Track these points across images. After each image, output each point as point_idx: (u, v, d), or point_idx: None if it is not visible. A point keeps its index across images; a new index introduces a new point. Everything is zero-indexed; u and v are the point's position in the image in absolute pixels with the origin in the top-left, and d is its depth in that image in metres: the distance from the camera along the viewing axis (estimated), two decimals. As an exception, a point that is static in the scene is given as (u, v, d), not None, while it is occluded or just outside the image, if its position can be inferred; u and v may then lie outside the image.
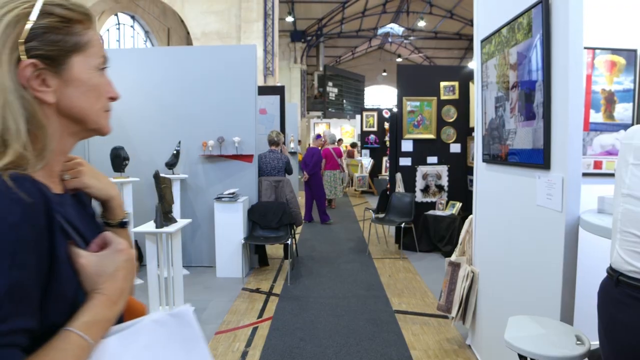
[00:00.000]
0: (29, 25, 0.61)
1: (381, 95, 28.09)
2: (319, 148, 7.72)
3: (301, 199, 10.64)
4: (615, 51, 2.03)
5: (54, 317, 0.58)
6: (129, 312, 0.74)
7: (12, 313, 0.51)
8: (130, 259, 0.69)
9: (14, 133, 0.58)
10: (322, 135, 8.35)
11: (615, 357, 1.20)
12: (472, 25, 3.30)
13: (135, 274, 0.71)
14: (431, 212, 5.45)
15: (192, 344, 0.70)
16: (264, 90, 7.36)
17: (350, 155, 10.46)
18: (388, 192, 5.96)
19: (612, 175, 2.03)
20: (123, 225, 0.79)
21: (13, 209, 0.53)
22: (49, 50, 0.63)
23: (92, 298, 0.63)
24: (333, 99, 22.11)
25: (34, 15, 0.61)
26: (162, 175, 3.48)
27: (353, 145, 13.37)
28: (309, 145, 7.89)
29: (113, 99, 0.77)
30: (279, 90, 7.50)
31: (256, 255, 4.97)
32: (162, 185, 3.38)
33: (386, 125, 10.78)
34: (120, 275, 0.66)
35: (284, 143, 5.54)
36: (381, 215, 5.73)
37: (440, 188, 5.53)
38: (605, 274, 1.25)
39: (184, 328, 0.70)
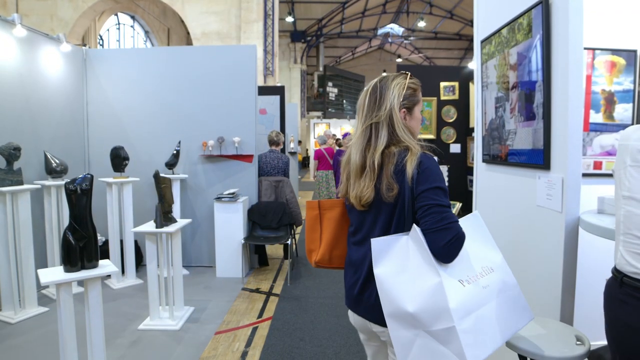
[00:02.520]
0: (404, 92, 1.40)
1: (381, 96, 28.04)
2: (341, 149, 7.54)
3: (302, 199, 10.64)
4: (615, 52, 2.03)
5: None
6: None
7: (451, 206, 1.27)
8: None
9: (413, 140, 1.37)
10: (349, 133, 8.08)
11: (620, 357, 1.20)
12: (472, 25, 3.30)
13: None
14: (431, 212, 5.45)
15: (485, 230, 1.41)
16: (264, 91, 7.36)
17: (332, 155, 9.38)
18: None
19: (612, 175, 2.03)
20: None
21: (437, 164, 1.32)
22: (410, 104, 1.42)
23: None
24: (333, 99, 22.11)
25: (406, 88, 1.41)
26: (162, 175, 3.48)
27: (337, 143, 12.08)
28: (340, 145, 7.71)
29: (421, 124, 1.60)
30: (279, 91, 7.50)
31: (256, 256, 4.97)
32: (162, 185, 3.38)
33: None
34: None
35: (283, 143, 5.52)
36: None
37: (440, 188, 5.53)
38: (608, 274, 1.25)
39: (478, 223, 1.41)
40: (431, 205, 1.23)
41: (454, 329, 1.13)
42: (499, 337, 1.23)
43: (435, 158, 1.35)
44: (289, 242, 4.53)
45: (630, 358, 1.16)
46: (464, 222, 1.33)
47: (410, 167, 1.27)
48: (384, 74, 1.46)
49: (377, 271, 1.28)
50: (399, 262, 1.26)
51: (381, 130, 1.36)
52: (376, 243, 1.29)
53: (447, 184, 5.95)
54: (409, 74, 1.44)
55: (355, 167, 1.38)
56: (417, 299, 1.19)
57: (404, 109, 1.39)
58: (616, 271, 1.20)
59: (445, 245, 1.19)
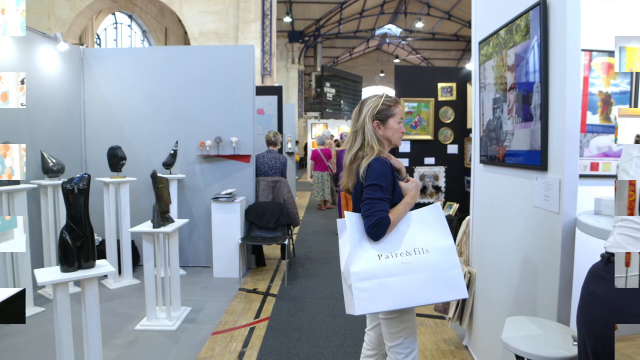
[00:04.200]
0: (378, 108, 1.81)
1: (379, 96, 28.06)
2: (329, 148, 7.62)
3: (299, 199, 10.64)
4: (612, 53, 2.04)
5: (395, 200, 1.74)
6: None
7: (386, 198, 1.68)
8: (417, 186, 1.79)
9: (377, 144, 1.78)
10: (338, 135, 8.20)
11: (586, 332, 1.23)
12: (469, 26, 3.31)
13: (418, 194, 1.83)
14: (428, 213, 5.44)
15: (442, 219, 1.74)
16: (261, 91, 7.35)
17: (328, 156, 8.93)
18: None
19: (608, 176, 2.04)
20: (404, 178, 1.85)
21: (386, 164, 1.73)
22: (383, 117, 1.81)
23: (406, 196, 1.76)
24: (330, 99, 22.10)
25: (380, 105, 1.82)
26: (159, 175, 3.47)
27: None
28: (339, 147, 7.90)
29: (402, 133, 1.85)
30: (276, 91, 7.50)
31: (253, 256, 4.96)
32: (159, 185, 3.37)
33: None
34: (414, 191, 1.77)
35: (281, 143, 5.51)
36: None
37: (437, 189, 5.54)
38: None
39: (437, 212, 1.76)
40: (365, 198, 1.69)
41: (351, 285, 1.59)
42: (405, 301, 1.58)
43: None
44: (286, 242, 4.52)
45: (602, 337, 1.17)
46: (423, 210, 1.76)
47: (362, 168, 1.74)
48: (369, 95, 1.90)
49: (339, 241, 1.78)
50: (346, 236, 1.71)
51: (358, 137, 1.83)
52: (338, 222, 1.79)
53: (444, 184, 5.91)
54: (385, 94, 1.87)
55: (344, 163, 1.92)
56: (344, 262, 1.69)
57: (376, 121, 1.81)
58: (605, 252, 1.23)
59: (369, 228, 1.65)
